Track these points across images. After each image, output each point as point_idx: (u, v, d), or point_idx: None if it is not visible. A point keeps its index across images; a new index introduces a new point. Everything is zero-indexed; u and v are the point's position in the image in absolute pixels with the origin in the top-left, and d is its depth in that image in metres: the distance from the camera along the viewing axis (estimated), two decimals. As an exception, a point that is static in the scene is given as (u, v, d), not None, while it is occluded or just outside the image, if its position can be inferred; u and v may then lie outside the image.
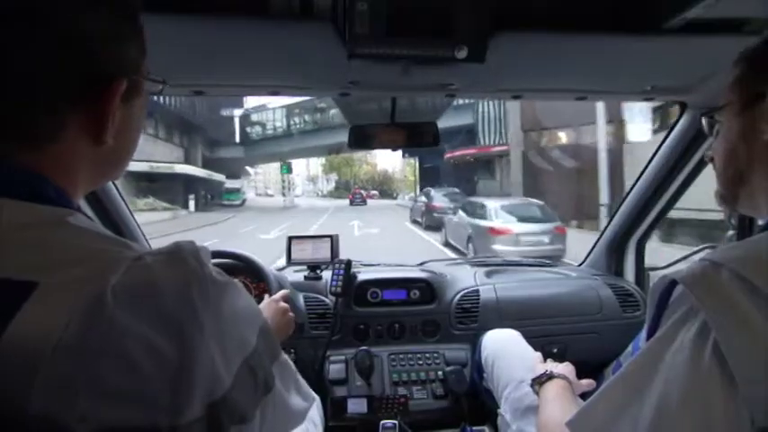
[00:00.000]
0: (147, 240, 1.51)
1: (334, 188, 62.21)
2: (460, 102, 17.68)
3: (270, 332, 0.46)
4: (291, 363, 0.54)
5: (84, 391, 0.31)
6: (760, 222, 0.53)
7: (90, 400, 0.31)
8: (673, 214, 1.61)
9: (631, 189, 1.53)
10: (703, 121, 0.61)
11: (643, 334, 0.53)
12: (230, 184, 30.91)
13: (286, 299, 1.11)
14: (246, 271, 1.43)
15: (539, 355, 1.07)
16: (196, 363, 0.35)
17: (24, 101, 0.38)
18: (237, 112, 33.80)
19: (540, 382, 0.90)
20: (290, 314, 1.06)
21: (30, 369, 0.30)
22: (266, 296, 1.17)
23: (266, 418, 0.44)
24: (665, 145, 1.37)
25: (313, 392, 0.59)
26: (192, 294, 0.35)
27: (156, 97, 0.84)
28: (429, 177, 26.92)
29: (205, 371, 0.35)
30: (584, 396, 0.89)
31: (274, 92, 1.11)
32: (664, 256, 1.70)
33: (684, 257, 1.52)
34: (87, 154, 0.42)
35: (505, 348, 1.20)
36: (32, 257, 0.34)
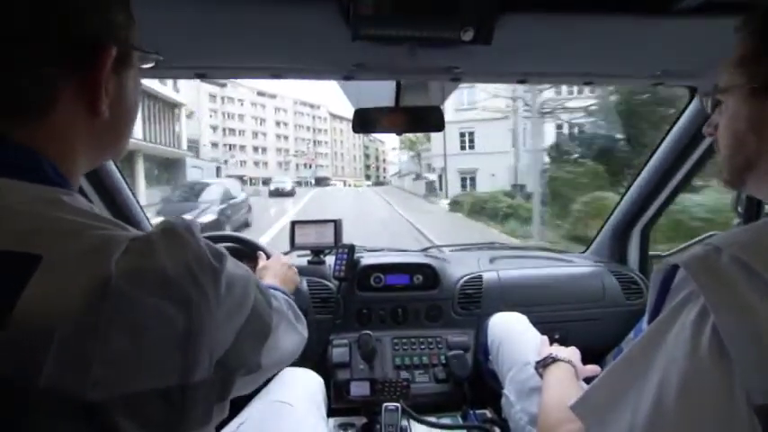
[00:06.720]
0: (150, 224, 1.52)
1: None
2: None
3: (263, 288, 0.51)
4: (283, 300, 0.64)
5: (96, 361, 0.32)
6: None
7: (102, 368, 0.32)
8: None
9: (638, 175, 1.51)
10: (706, 101, 0.57)
11: (645, 320, 0.53)
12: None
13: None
14: (239, 253, 1.41)
15: (545, 338, 1.08)
16: (203, 328, 0.37)
17: (10, 70, 0.38)
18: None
19: (544, 364, 0.91)
20: (293, 267, 1.15)
21: (43, 342, 0.30)
22: (261, 257, 1.24)
23: (270, 359, 0.52)
24: (673, 131, 1.35)
25: (300, 313, 0.69)
26: (192, 266, 0.37)
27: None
28: None
29: (211, 334, 0.38)
30: (587, 381, 0.89)
31: (276, 75, 1.09)
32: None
33: (689, 245, 1.51)
34: (83, 126, 0.43)
35: (512, 331, 1.20)
36: (31, 231, 0.34)
